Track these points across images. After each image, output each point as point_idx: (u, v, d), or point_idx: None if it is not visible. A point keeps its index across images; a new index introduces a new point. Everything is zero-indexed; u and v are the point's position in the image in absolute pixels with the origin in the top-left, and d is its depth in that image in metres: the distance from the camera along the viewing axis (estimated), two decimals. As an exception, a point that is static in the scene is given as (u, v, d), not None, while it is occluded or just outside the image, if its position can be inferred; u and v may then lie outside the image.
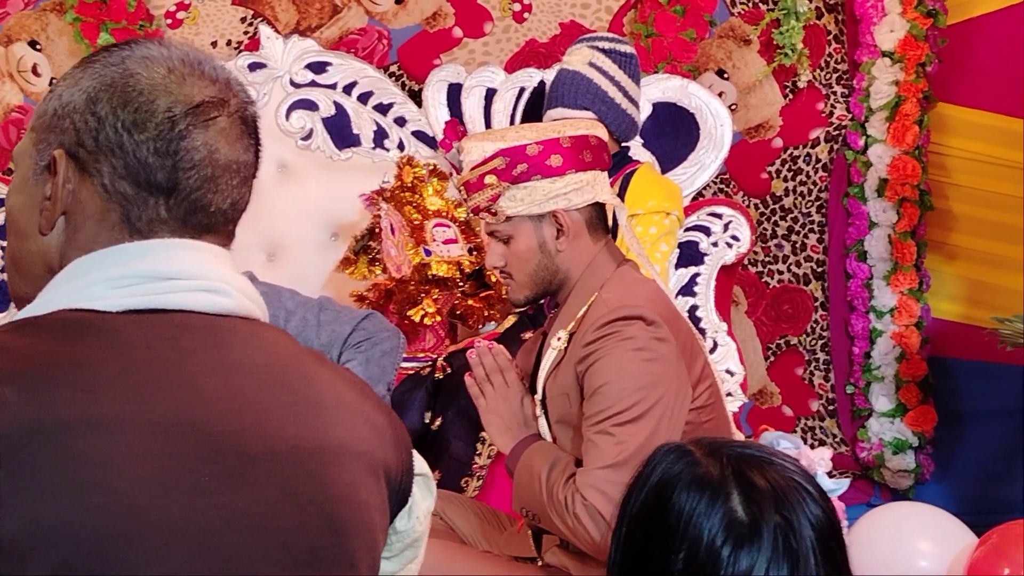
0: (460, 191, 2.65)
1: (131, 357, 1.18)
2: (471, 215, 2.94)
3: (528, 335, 3.44)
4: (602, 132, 2.66)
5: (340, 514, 1.25)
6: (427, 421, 3.52)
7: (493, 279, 3.75)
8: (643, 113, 4.05)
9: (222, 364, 1.23)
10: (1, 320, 3.62)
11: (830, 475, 4.44)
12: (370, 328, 3.19)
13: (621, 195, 3.56)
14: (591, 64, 3.64)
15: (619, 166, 3.62)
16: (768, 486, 1.29)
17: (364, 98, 4.30)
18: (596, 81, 3.62)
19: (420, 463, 1.40)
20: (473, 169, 2.57)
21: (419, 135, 4.30)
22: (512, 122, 4.17)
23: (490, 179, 2.55)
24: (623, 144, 3.73)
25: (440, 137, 4.27)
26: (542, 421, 2.60)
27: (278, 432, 1.23)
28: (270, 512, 1.19)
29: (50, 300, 1.23)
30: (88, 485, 1.09)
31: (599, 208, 2.61)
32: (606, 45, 3.67)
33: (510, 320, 3.76)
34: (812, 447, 3.57)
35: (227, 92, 1.31)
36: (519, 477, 2.54)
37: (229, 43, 4.44)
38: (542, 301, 2.93)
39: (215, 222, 1.30)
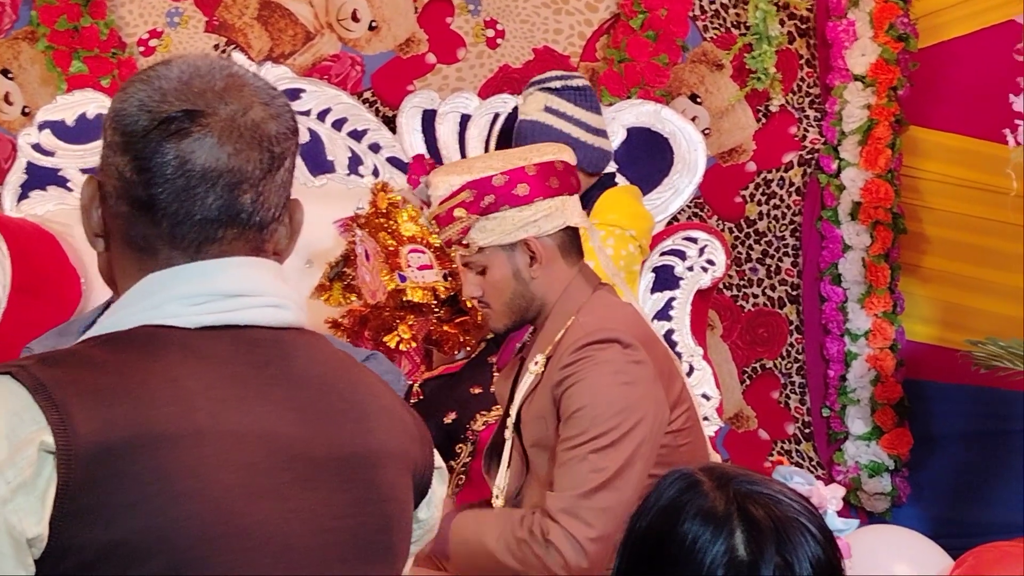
0: (431, 225, 2.64)
1: (213, 372, 1.28)
2: (445, 247, 2.94)
3: (494, 359, 3.44)
4: (569, 156, 2.66)
5: (388, 512, 1.37)
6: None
7: (469, 305, 3.75)
8: (617, 138, 4.06)
9: (288, 376, 1.33)
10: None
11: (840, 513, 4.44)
12: (374, 369, 3.18)
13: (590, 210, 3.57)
14: (547, 109, 3.62)
15: (603, 187, 3.64)
16: (771, 525, 1.30)
17: (338, 124, 4.29)
18: (556, 126, 3.61)
19: (436, 457, 1.51)
20: (442, 203, 2.56)
21: (394, 161, 4.29)
22: (487, 148, 4.17)
23: (459, 212, 2.53)
24: (606, 173, 3.76)
25: (416, 163, 4.27)
26: (513, 445, 2.60)
27: (337, 439, 1.34)
28: (336, 513, 1.31)
29: (130, 315, 1.29)
30: (186, 494, 1.20)
31: (572, 232, 2.61)
32: (557, 84, 3.65)
33: (481, 346, 3.76)
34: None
35: (218, 101, 1.30)
36: (456, 553, 2.51)
37: (202, 70, 4.42)
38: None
39: (209, 233, 1.31)
